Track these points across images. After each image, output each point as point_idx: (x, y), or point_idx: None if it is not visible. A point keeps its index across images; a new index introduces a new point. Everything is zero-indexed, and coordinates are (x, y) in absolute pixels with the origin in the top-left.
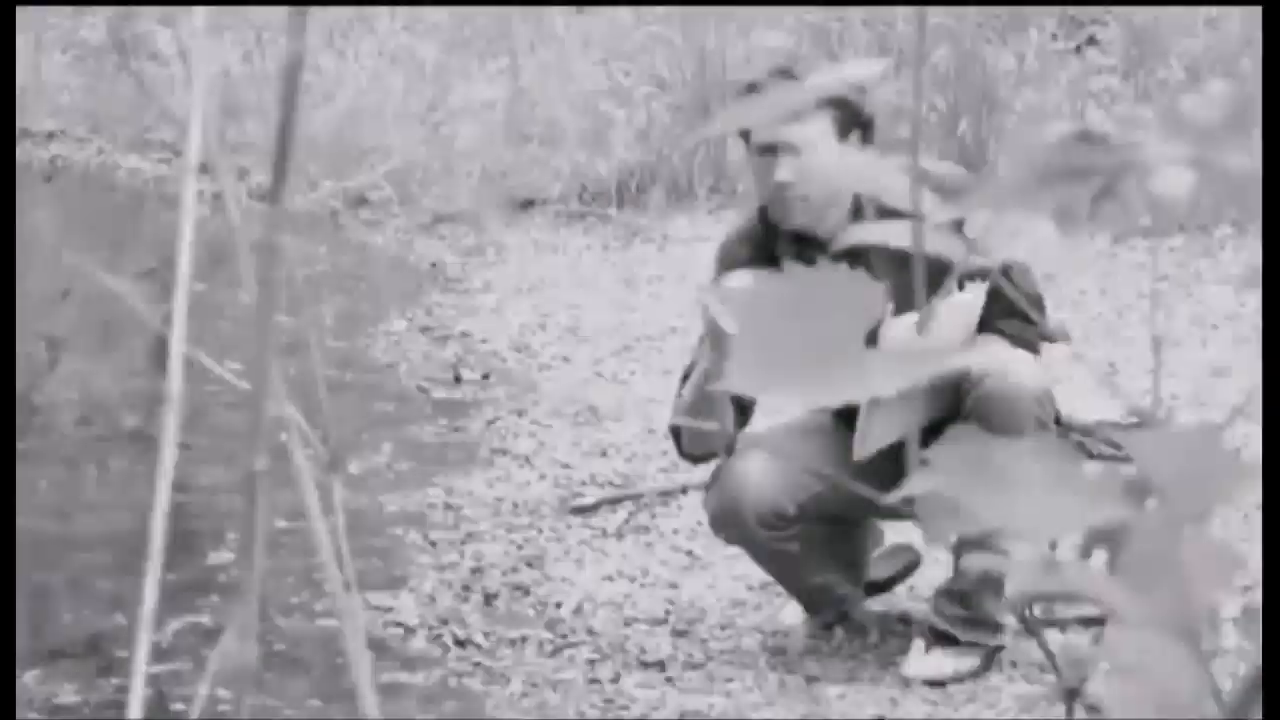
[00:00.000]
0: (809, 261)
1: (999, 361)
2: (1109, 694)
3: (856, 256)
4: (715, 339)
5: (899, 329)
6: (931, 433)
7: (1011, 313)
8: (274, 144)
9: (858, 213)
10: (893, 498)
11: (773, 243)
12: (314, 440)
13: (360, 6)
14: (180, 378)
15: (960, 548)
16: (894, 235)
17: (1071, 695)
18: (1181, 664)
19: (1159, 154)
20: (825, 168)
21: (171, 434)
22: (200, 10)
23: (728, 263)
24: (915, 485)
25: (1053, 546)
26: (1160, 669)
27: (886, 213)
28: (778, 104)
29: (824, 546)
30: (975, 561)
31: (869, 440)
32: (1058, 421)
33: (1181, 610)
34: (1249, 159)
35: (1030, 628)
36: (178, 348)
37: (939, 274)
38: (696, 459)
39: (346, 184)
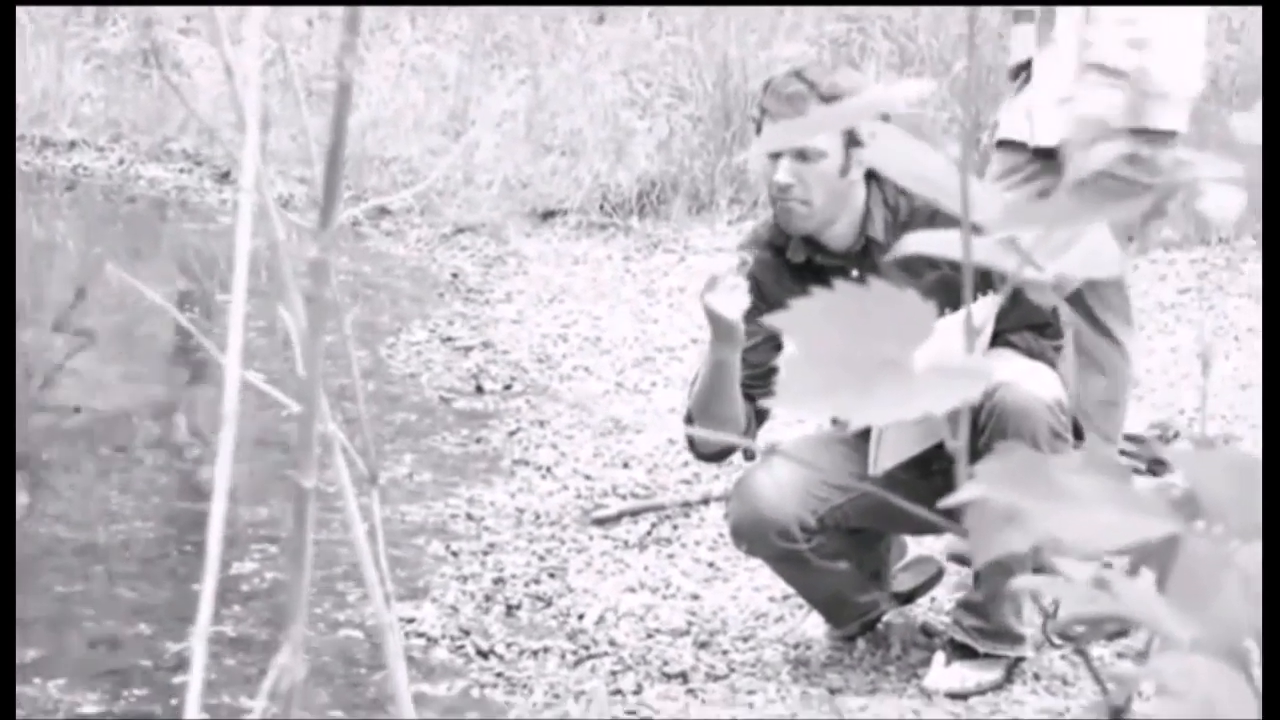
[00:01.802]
0: (818, 268)
1: (1013, 372)
2: (1158, 716)
3: (868, 264)
4: (717, 329)
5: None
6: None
7: (1025, 326)
8: (324, 168)
9: (865, 221)
10: (948, 503)
11: (785, 246)
12: (354, 455)
13: (382, 15)
14: (236, 397)
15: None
16: (946, 246)
17: (1117, 714)
18: (1232, 686)
19: (1210, 174)
20: (828, 175)
21: (227, 452)
22: (254, 26)
23: (749, 271)
24: (965, 494)
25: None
26: (1210, 691)
27: (902, 224)
28: (827, 121)
29: (846, 558)
30: (1022, 582)
31: (883, 456)
32: (1077, 433)
33: (1231, 631)
34: None
35: (1078, 645)
36: (234, 368)
37: (954, 286)
38: (710, 458)
39: (381, 201)
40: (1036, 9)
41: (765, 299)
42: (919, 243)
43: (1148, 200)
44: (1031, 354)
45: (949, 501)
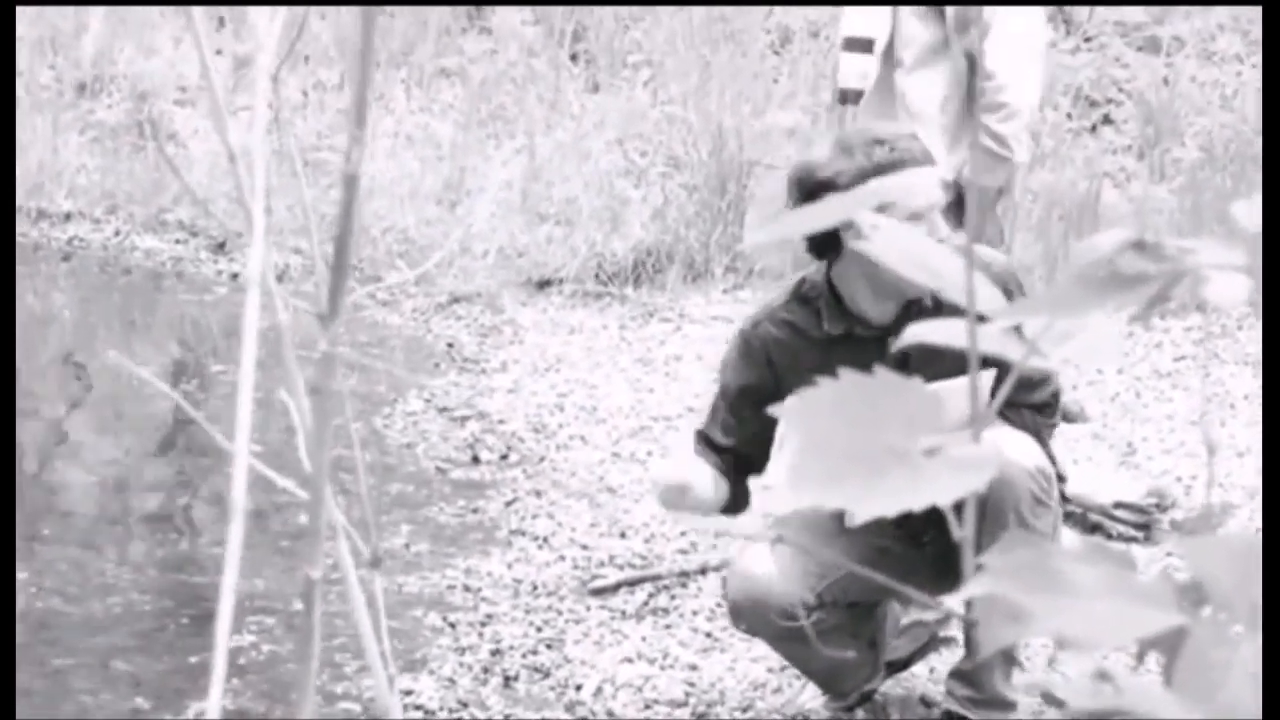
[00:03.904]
0: (857, 340)
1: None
2: None
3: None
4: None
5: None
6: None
7: (1025, 404)
8: (332, 260)
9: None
10: (954, 602)
11: (816, 319)
12: (357, 540)
13: (377, 86)
14: (244, 489)
15: (970, 628)
16: (953, 336)
17: None
18: None
19: (1213, 260)
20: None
21: (236, 545)
22: (260, 99)
23: (761, 340)
24: (973, 589)
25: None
26: None
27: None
28: (869, 199)
29: (843, 629)
30: (1027, 679)
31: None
32: (1065, 499)
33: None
34: None
35: None
36: (241, 459)
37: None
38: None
39: (387, 284)
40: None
41: (779, 382)
42: (924, 332)
43: (1152, 288)
44: (1025, 429)
45: (958, 597)
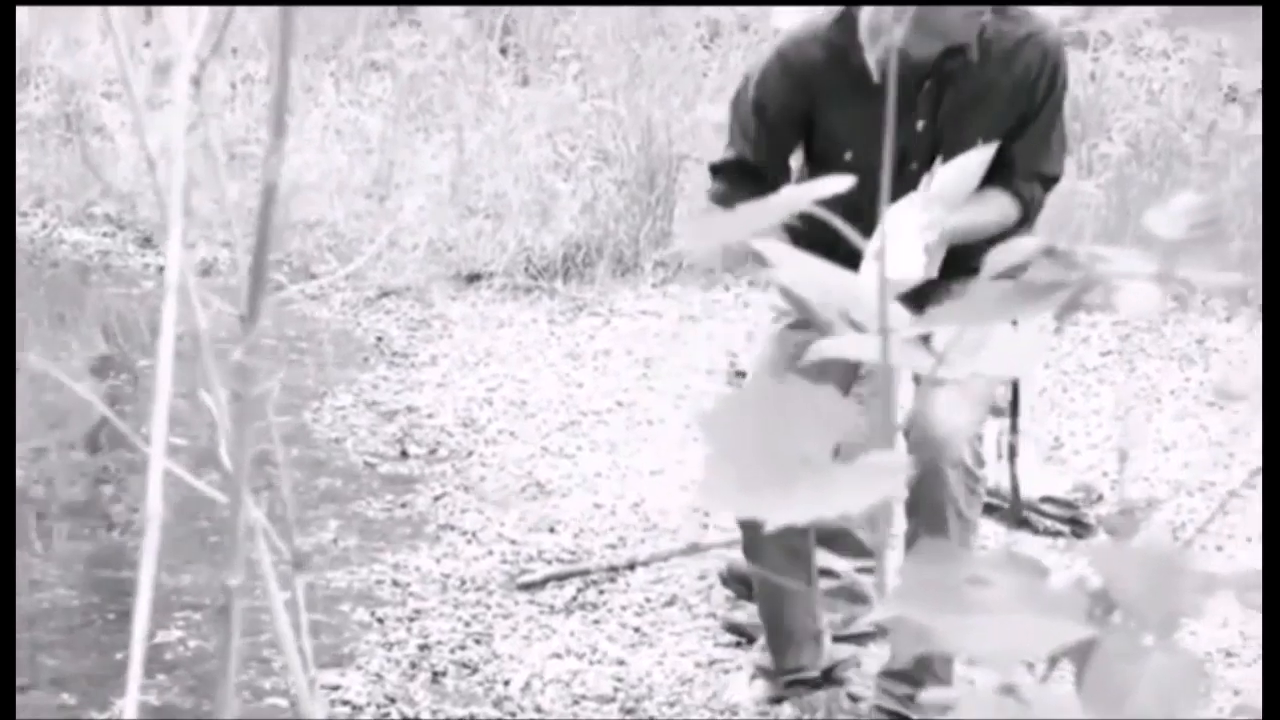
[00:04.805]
0: (899, 78)
1: (930, 424)
2: None
3: (945, 75)
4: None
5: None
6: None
7: (1034, 172)
8: (250, 265)
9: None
10: (871, 619)
11: (848, 46)
12: (277, 539)
13: (306, 79)
14: (159, 494)
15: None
16: (864, 350)
17: None
18: None
19: (1125, 270)
20: None
21: (152, 550)
22: (180, 105)
23: (802, 60)
24: (883, 611)
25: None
26: None
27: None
28: (747, 223)
29: (810, 605)
30: (930, 695)
31: None
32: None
33: None
34: (1210, 268)
35: None
36: (157, 465)
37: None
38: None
39: (319, 281)
40: None
41: (814, 106)
42: (838, 348)
43: (1063, 296)
44: (1024, 203)
45: (869, 618)
